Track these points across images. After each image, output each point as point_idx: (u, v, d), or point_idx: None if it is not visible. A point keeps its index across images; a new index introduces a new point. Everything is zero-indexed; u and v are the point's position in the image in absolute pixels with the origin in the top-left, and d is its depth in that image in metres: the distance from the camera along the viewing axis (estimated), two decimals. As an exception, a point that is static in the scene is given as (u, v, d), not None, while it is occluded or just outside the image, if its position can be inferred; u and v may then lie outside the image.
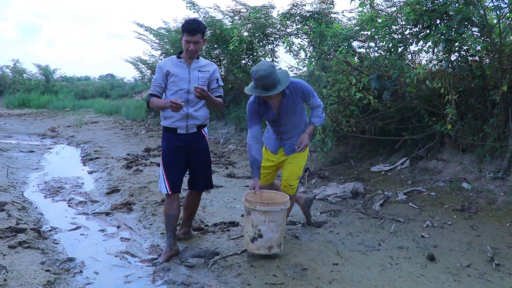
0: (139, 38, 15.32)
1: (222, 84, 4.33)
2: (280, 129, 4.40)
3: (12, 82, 30.10)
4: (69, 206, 6.21)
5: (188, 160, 4.28)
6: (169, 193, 4.18)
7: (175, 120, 4.12)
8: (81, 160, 10.06)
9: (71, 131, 14.38)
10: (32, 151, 10.80)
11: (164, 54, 15.16)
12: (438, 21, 5.88)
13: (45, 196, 6.73)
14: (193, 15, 12.37)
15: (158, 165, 8.61)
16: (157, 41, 14.91)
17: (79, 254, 4.47)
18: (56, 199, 6.60)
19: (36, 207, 6.07)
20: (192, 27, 3.93)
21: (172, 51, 14.39)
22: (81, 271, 4.05)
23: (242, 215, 5.30)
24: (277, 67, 4.35)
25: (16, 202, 5.79)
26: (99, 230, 5.19)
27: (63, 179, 7.83)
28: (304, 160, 4.52)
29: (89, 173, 8.55)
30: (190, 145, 4.20)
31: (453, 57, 5.79)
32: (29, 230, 4.72)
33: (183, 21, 4.14)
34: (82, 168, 9.04)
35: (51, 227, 5.25)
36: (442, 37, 5.53)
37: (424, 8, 5.84)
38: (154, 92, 4.13)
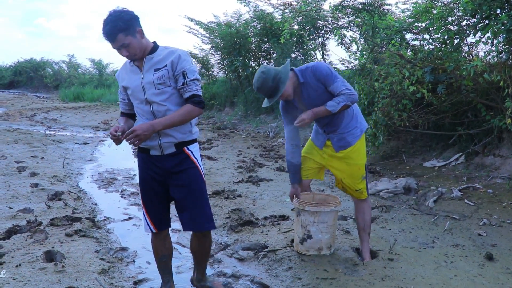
0: (190, 32, 15.43)
1: (196, 78, 3.06)
2: (319, 121, 3.85)
3: (67, 76, 31.14)
4: (122, 197, 6.36)
5: (170, 189, 3.20)
6: (155, 231, 3.27)
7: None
8: (133, 152, 10.26)
9: (123, 124, 14.67)
10: (86, 143, 11.12)
11: (214, 48, 15.27)
12: (498, 11, 5.65)
13: (99, 187, 6.92)
14: (243, 8, 12.37)
15: (209, 157, 8.69)
16: (207, 35, 14.98)
17: (131, 244, 4.57)
18: (109, 189, 6.77)
19: (91, 197, 6.25)
20: (105, 32, 2.87)
21: (222, 45, 14.46)
22: (133, 261, 4.15)
23: (293, 209, 5.28)
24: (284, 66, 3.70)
25: (72, 192, 5.98)
26: (151, 221, 5.27)
27: (116, 171, 8.02)
28: (361, 157, 3.83)
29: (140, 165, 8.70)
30: (168, 170, 3.11)
31: (514, 48, 5.55)
32: (84, 219, 4.86)
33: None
34: (133, 160, 9.22)
35: (104, 217, 5.39)
36: (503, 27, 5.31)
37: (483, -3, 5.63)
38: (122, 109, 3.33)
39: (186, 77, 3.01)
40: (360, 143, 3.81)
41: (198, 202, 3.13)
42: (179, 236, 4.76)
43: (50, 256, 3.85)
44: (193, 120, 3.13)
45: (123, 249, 4.37)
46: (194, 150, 3.17)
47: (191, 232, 3.39)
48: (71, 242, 4.17)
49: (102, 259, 3.93)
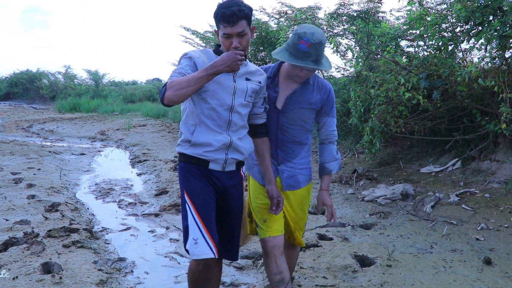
0: (186, 42, 15.48)
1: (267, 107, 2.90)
2: (277, 135, 2.98)
3: (64, 87, 31.14)
4: (119, 207, 6.34)
5: (219, 210, 2.74)
6: (216, 256, 2.56)
7: (211, 150, 2.60)
8: (130, 162, 10.27)
9: (120, 134, 14.70)
10: (83, 154, 11.09)
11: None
12: (491, 17, 5.69)
13: (96, 198, 6.90)
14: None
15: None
16: (203, 44, 15.02)
17: (129, 254, 4.55)
18: (106, 200, 6.75)
19: (88, 208, 6.23)
20: (229, 13, 2.45)
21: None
22: (132, 271, 4.13)
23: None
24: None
25: (69, 203, 5.96)
26: (149, 231, 5.27)
27: (113, 181, 8.00)
28: (308, 198, 3.17)
29: (138, 175, 8.71)
30: (226, 189, 2.73)
31: (507, 54, 5.60)
32: (82, 230, 4.84)
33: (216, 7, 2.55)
34: (131, 170, 9.22)
35: (102, 227, 5.37)
36: (496, 33, 5.35)
37: (476, 4, 5.67)
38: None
39: (264, 104, 2.86)
40: (309, 187, 3.14)
41: (238, 232, 2.88)
42: (177, 246, 4.74)
43: (47, 268, 3.84)
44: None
45: (121, 259, 4.35)
46: (245, 173, 2.90)
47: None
48: (68, 254, 4.16)
49: (100, 270, 3.91)
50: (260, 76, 2.77)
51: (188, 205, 2.60)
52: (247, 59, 2.71)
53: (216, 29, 2.60)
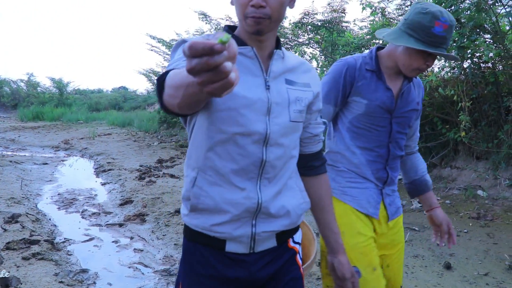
0: (152, 50, 15.45)
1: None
2: (389, 149, 2.14)
3: (26, 95, 30.46)
4: (83, 217, 6.23)
5: None
6: None
7: (225, 221, 1.43)
8: (94, 171, 10.11)
9: (84, 143, 14.46)
10: (46, 163, 10.87)
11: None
12: (450, 28, 5.86)
13: (59, 208, 6.76)
14: (205, 26, 12.36)
15: (171, 176, 8.61)
16: (170, 53, 14.98)
17: (92, 265, 4.48)
18: (69, 210, 6.62)
19: (50, 219, 6.10)
20: None
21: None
22: (94, 283, 4.06)
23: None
24: None
25: (30, 214, 5.82)
26: (113, 242, 5.20)
27: (77, 191, 7.86)
28: None
29: (102, 184, 8.58)
30: (259, 281, 1.51)
31: (465, 64, 5.77)
32: (43, 242, 4.74)
33: None
34: (95, 180, 9.08)
35: (64, 238, 5.26)
36: (454, 44, 5.51)
37: (436, 15, 5.83)
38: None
39: (321, 115, 1.66)
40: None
41: None
42: (142, 256, 4.69)
43: (5, 282, 3.73)
44: None
45: (84, 271, 4.27)
46: (299, 245, 1.65)
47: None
48: (28, 266, 4.06)
49: (61, 282, 3.84)
50: (306, 74, 1.55)
51: None
52: (281, 47, 1.49)
53: None
